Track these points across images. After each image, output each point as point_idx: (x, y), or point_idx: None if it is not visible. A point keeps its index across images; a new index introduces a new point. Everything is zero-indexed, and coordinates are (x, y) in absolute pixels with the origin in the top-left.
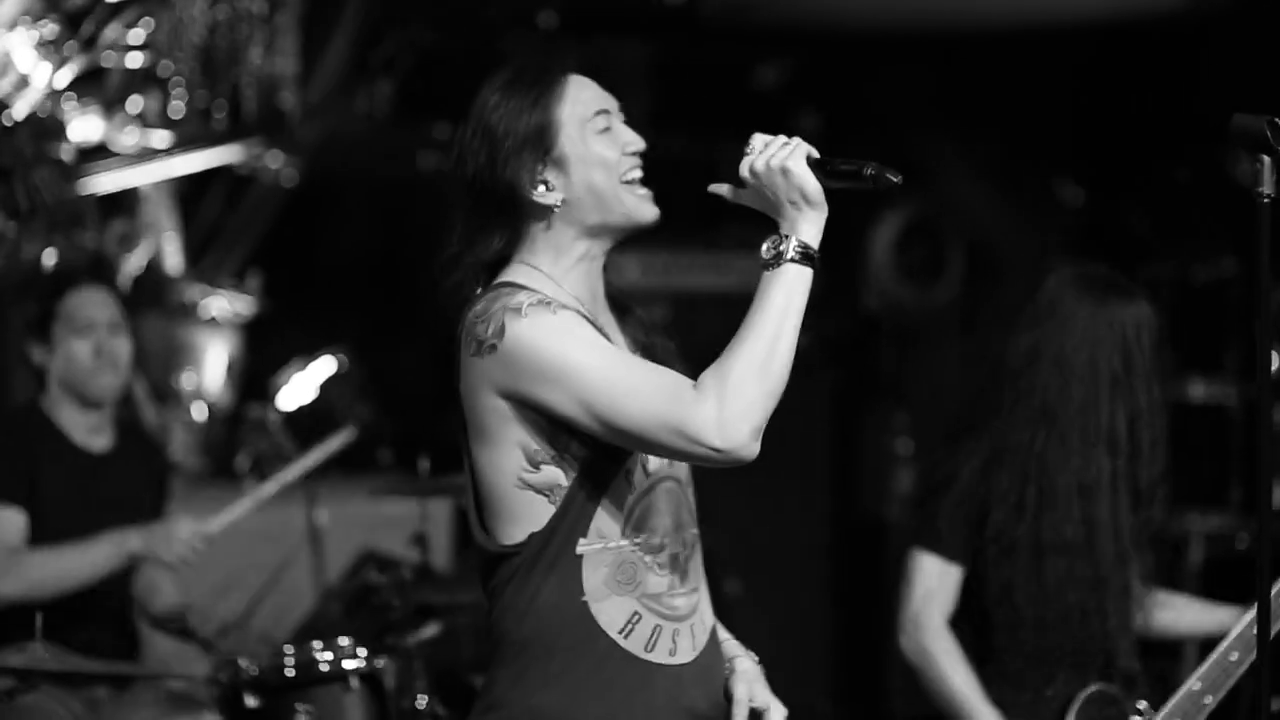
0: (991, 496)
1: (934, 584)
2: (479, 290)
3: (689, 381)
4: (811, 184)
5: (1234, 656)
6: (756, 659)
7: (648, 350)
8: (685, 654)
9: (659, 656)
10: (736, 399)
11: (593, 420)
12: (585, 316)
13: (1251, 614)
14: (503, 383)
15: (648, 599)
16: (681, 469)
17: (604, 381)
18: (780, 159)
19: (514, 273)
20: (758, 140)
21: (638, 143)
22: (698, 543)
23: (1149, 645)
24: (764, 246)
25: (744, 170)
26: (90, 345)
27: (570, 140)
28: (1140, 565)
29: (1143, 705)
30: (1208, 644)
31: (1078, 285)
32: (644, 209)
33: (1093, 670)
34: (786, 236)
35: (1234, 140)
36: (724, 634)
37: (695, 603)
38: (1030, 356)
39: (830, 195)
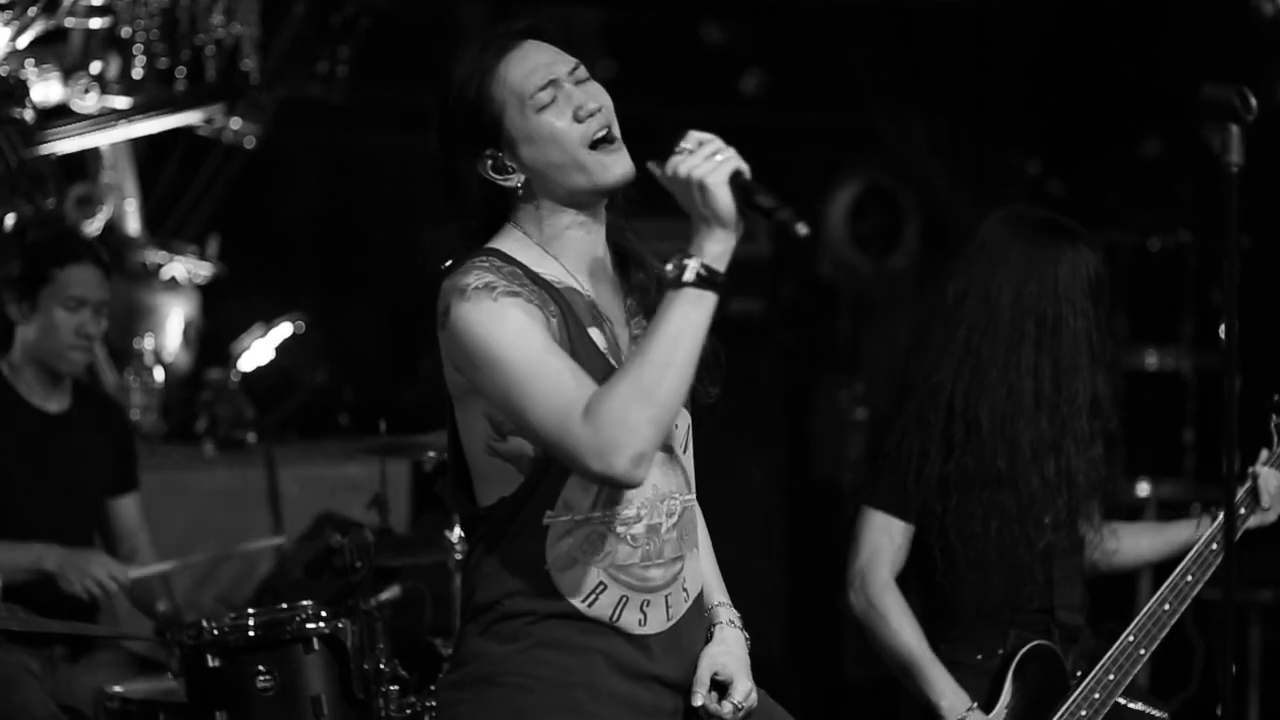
0: (925, 440)
1: (880, 540)
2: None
3: (585, 398)
4: (725, 205)
5: (1166, 607)
6: (742, 630)
7: (652, 312)
8: (657, 624)
9: (626, 625)
10: (617, 427)
11: (508, 416)
12: (535, 303)
13: (1181, 565)
14: (452, 359)
15: (615, 569)
16: (678, 437)
17: (515, 382)
18: (701, 172)
19: (502, 239)
20: (690, 140)
21: (592, 101)
22: (688, 511)
23: (1100, 606)
24: (668, 264)
25: (669, 169)
26: (75, 321)
27: (513, 122)
28: (1089, 504)
29: (1083, 670)
30: (1162, 570)
31: (1010, 225)
32: (610, 170)
33: (1039, 630)
34: (690, 256)
35: (1203, 110)
36: (720, 597)
37: (676, 572)
38: (959, 297)
39: (790, 161)
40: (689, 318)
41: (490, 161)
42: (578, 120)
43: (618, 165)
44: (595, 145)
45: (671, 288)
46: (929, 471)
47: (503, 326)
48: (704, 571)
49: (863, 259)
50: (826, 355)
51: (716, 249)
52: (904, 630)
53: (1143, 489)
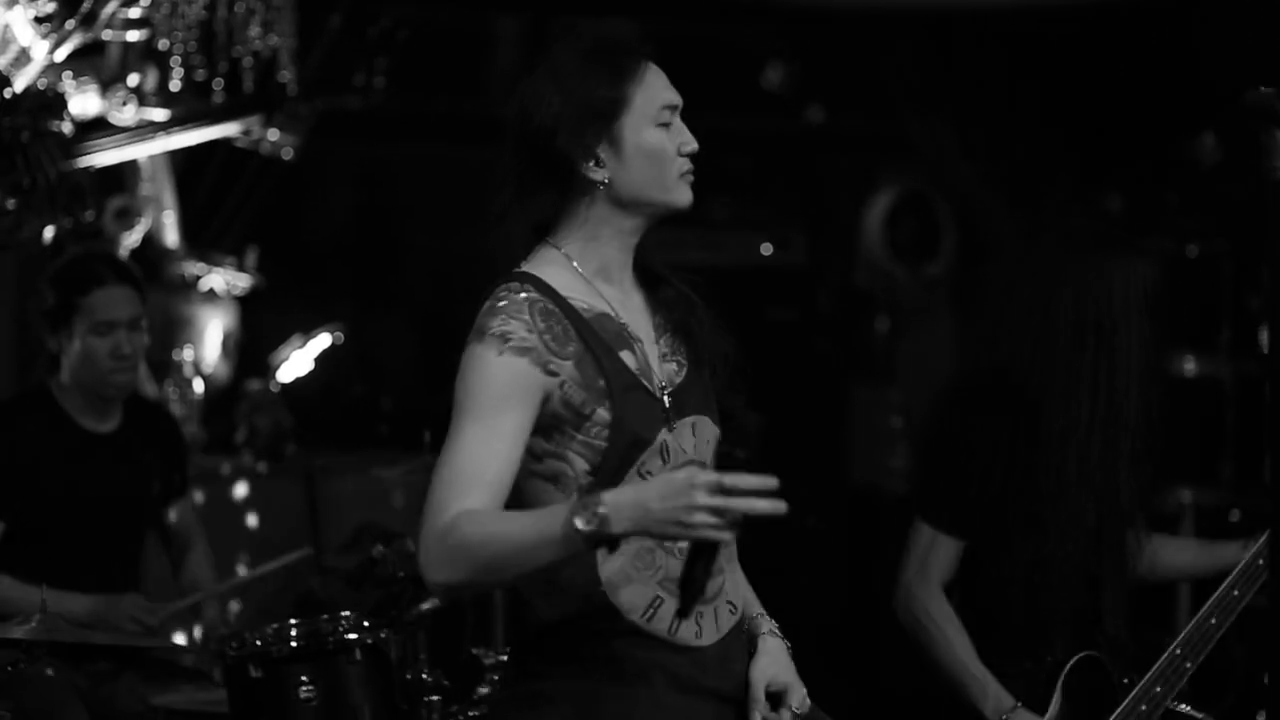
0: (984, 452)
1: (931, 554)
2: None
3: (467, 506)
4: (660, 528)
5: (1213, 621)
6: (783, 638)
7: (679, 332)
8: (710, 636)
9: (683, 639)
10: (446, 562)
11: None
12: (543, 356)
13: (1229, 579)
14: None
15: (670, 583)
16: (708, 453)
17: (450, 444)
18: (695, 518)
19: (540, 260)
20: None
21: (693, 145)
22: None
23: (1141, 614)
24: (584, 502)
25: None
26: (109, 345)
27: (632, 125)
28: (1133, 516)
29: (1131, 679)
30: (1202, 591)
31: (1069, 237)
32: (682, 194)
33: (1085, 639)
34: (607, 516)
35: (1245, 115)
36: (756, 609)
37: (720, 584)
38: (1020, 308)
39: (826, 169)
40: (554, 550)
41: (595, 149)
42: (679, 153)
43: (687, 194)
44: (680, 175)
45: (566, 522)
46: (986, 488)
47: (481, 391)
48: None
49: (899, 267)
50: (863, 363)
51: (621, 535)
52: (954, 642)
53: (1182, 496)
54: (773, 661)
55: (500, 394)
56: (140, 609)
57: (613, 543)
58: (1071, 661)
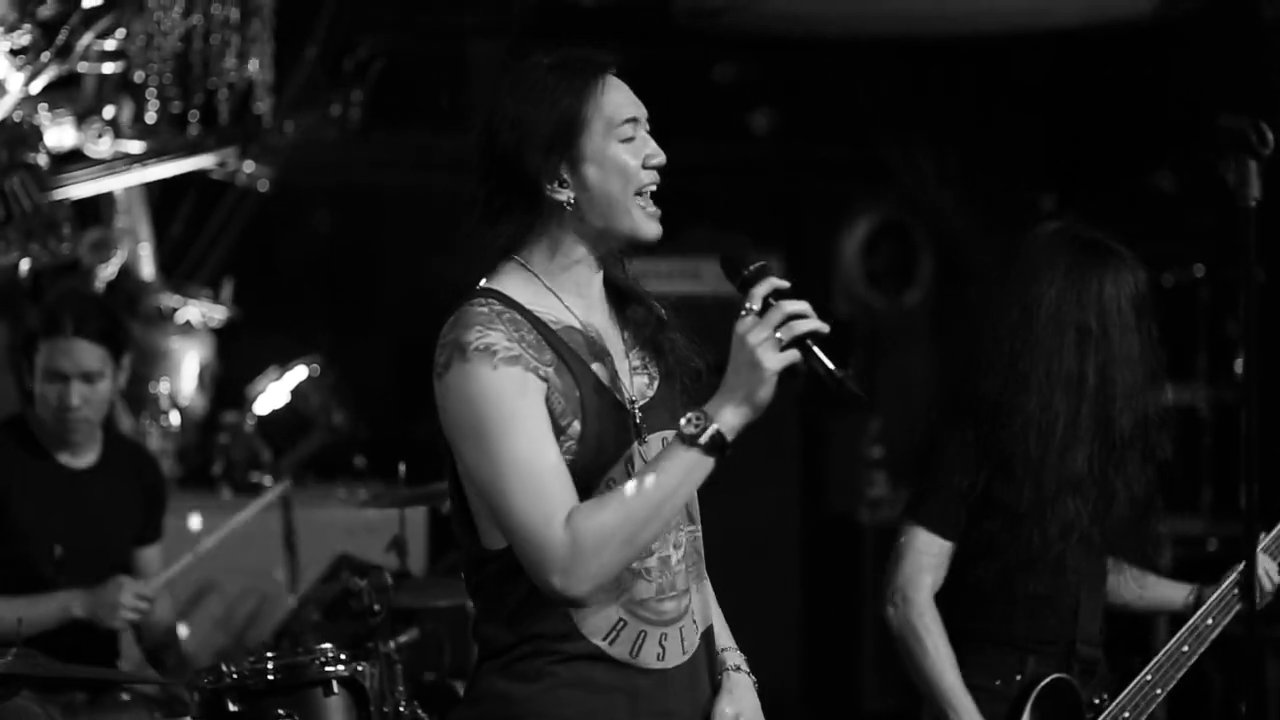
0: (968, 458)
1: (923, 558)
2: (482, 279)
3: (567, 509)
4: (766, 392)
5: (1185, 649)
6: (749, 673)
7: (648, 347)
8: (674, 658)
9: (645, 661)
10: (592, 559)
11: (482, 492)
12: (533, 363)
13: (1201, 610)
14: (443, 413)
15: (633, 605)
16: None
17: (500, 467)
18: (761, 353)
19: (504, 275)
20: (758, 294)
21: (659, 157)
22: (695, 542)
23: (1113, 636)
24: (688, 417)
25: (736, 329)
26: (55, 393)
27: (593, 141)
28: (1118, 541)
29: (1104, 697)
30: (1179, 617)
31: (1056, 241)
32: (648, 225)
33: (1058, 660)
34: (710, 420)
35: (1219, 143)
36: (726, 641)
37: (686, 605)
38: (1003, 310)
39: (802, 196)
40: (689, 477)
41: (557, 169)
42: (644, 166)
43: (653, 227)
44: (640, 193)
45: (682, 442)
46: (971, 491)
47: (498, 403)
48: (711, 610)
49: (876, 295)
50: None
51: (735, 422)
52: (939, 654)
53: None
54: (737, 700)
55: (515, 401)
56: (132, 587)
57: (725, 444)
58: (1043, 683)
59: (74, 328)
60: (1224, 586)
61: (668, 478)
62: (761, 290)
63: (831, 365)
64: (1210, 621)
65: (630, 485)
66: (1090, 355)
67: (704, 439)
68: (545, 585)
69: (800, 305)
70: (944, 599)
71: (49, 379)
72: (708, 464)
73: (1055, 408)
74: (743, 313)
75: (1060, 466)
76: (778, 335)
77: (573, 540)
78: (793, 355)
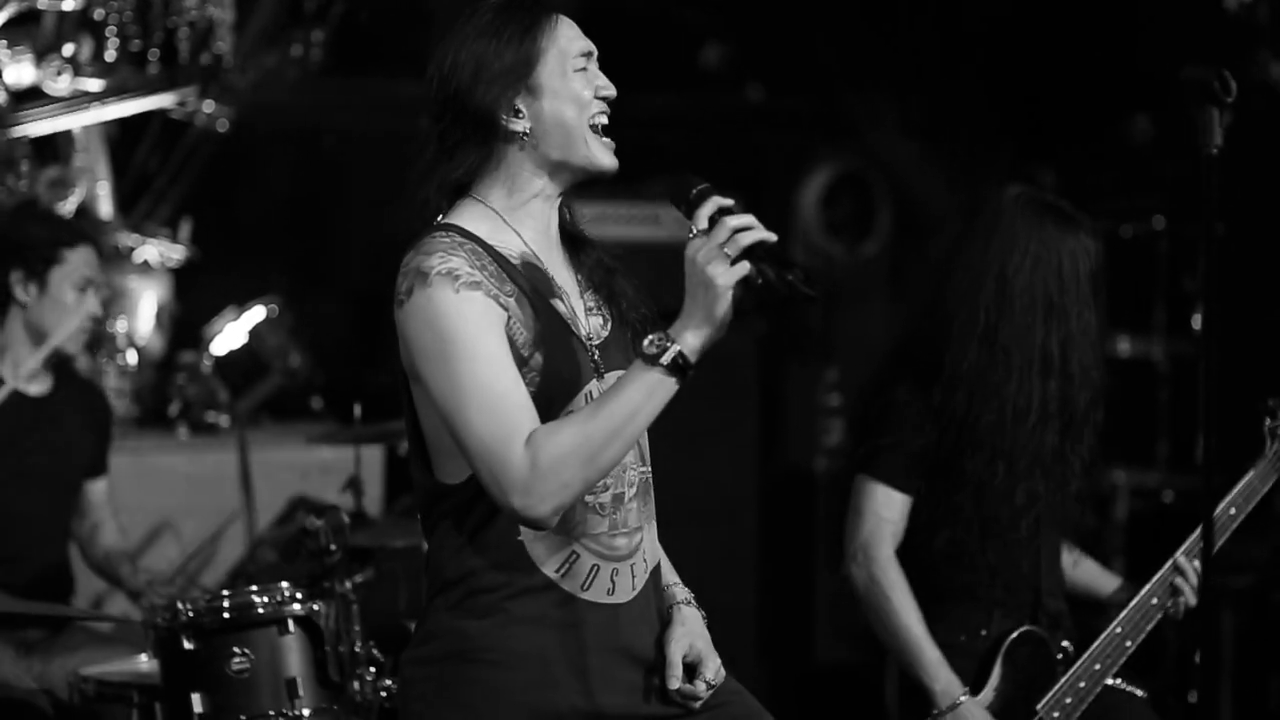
0: (934, 417)
1: (883, 513)
2: (438, 218)
3: (528, 430)
4: (723, 309)
5: (1154, 601)
6: (699, 608)
7: (601, 290)
8: (624, 593)
9: (596, 595)
10: (551, 477)
11: (441, 414)
12: (494, 290)
13: (1169, 563)
14: (404, 340)
15: (587, 539)
16: None
17: (463, 389)
18: (714, 271)
19: (462, 211)
20: (703, 214)
21: (610, 89)
22: (646, 482)
23: (1070, 595)
24: (650, 339)
25: (687, 252)
26: (90, 302)
27: (549, 72)
28: (1072, 505)
29: (1067, 644)
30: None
31: (1023, 205)
32: (604, 156)
33: (1024, 613)
34: (671, 340)
35: (1183, 93)
36: (672, 577)
37: (638, 542)
38: (973, 274)
39: (764, 148)
40: (651, 398)
41: (514, 100)
42: (596, 96)
43: (610, 158)
44: (594, 125)
45: (644, 363)
46: (930, 446)
47: (461, 325)
48: (658, 550)
49: (835, 246)
50: (799, 342)
51: (696, 343)
52: (905, 610)
53: (1115, 478)
54: (688, 632)
55: (477, 325)
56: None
57: (687, 365)
58: (1013, 635)
59: (93, 239)
60: (1193, 537)
61: (629, 398)
62: (706, 210)
63: (782, 270)
64: (1178, 580)
65: (591, 406)
66: (1054, 331)
67: (665, 359)
68: (506, 506)
69: (745, 218)
70: (907, 559)
71: (80, 288)
72: (670, 385)
73: (1032, 387)
74: (690, 235)
75: (1032, 444)
76: (726, 251)
77: (533, 459)
78: (744, 268)
